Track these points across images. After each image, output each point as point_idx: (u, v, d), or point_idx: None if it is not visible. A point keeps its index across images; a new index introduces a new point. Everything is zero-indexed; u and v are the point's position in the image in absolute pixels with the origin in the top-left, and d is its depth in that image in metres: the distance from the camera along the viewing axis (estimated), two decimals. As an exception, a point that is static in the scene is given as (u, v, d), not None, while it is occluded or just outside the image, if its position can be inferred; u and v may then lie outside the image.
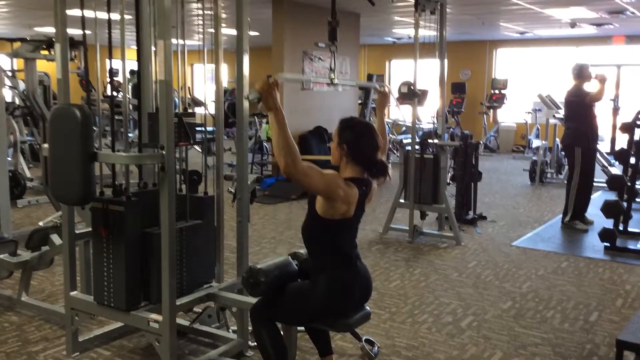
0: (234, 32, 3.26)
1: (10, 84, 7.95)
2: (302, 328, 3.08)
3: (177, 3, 3.01)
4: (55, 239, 3.75)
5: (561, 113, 9.35)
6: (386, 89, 3.24)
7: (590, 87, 6.39)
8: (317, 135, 9.00)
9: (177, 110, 2.92)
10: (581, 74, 6.34)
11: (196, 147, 9.19)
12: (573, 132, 6.39)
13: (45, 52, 6.88)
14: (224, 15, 3.34)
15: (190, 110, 3.12)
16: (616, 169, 8.53)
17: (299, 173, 2.43)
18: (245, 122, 3.33)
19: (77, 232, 3.30)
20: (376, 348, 3.35)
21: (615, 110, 9.32)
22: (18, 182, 7.09)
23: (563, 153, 9.83)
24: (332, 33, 3.09)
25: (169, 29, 2.73)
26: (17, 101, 8.44)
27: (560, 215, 6.67)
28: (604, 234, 5.58)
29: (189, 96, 3.63)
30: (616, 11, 9.13)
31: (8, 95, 8.40)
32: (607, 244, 5.56)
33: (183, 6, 3.20)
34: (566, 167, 9.46)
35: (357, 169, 2.64)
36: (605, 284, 4.65)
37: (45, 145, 3.01)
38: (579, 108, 6.30)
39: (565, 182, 6.87)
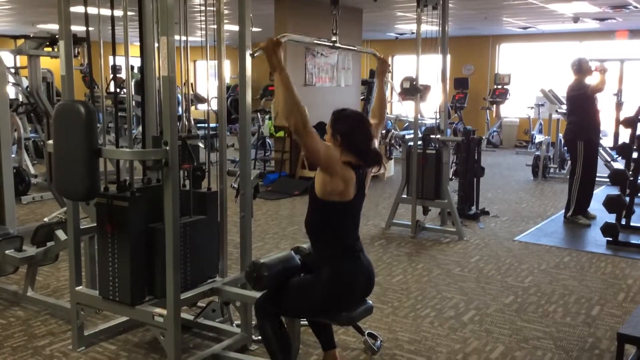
0: (236, 28, 3.27)
1: (13, 81, 7.98)
2: (306, 322, 3.10)
3: (179, -1, 3.03)
4: (60, 234, 3.78)
5: (564, 108, 9.35)
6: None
7: (591, 80, 6.39)
8: (320, 130, 8.98)
9: (180, 134, 2.96)
10: (581, 68, 6.34)
11: (199, 142, 9.23)
12: (575, 127, 6.38)
13: (49, 49, 6.90)
14: (226, 12, 3.36)
15: (193, 132, 3.17)
16: (619, 164, 8.53)
17: (308, 133, 2.45)
18: (248, 118, 3.35)
19: (81, 227, 3.33)
20: (379, 342, 3.37)
21: (619, 104, 9.31)
22: (22, 178, 7.13)
23: (565, 148, 9.86)
24: None
25: (172, 25, 2.74)
26: (20, 98, 8.48)
27: (563, 210, 6.68)
28: (607, 229, 5.59)
29: (192, 92, 3.65)
30: (619, 6, 9.11)
31: (12, 92, 8.44)
32: (610, 239, 5.57)
33: (186, 2, 3.21)
34: (569, 162, 9.50)
35: (352, 158, 2.66)
36: (607, 279, 4.66)
37: (50, 142, 3.03)
38: (581, 102, 6.30)
39: (568, 176, 6.87)
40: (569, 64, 6.46)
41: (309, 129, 2.46)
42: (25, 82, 7.58)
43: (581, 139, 6.32)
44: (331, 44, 3.14)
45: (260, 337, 2.81)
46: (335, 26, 3.16)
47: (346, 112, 2.75)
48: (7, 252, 3.91)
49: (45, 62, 7.47)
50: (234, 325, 3.52)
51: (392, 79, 14.59)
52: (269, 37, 2.45)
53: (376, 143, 2.85)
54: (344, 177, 2.58)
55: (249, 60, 3.25)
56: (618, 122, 8.78)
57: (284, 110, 2.44)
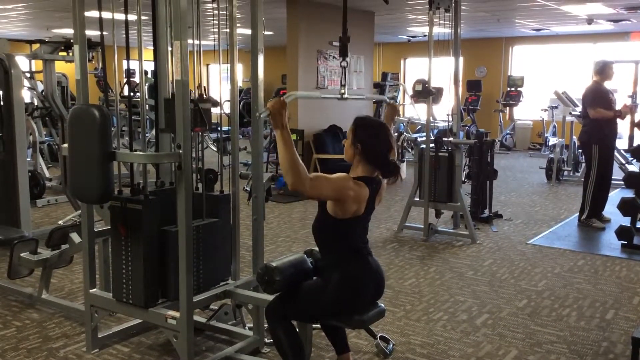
0: (248, 31, 3.29)
1: (29, 85, 8.07)
2: (318, 325, 3.11)
3: (192, 3, 3.05)
4: (75, 237, 3.81)
5: (578, 110, 9.28)
6: (395, 103, 3.29)
7: (610, 85, 6.34)
8: (332, 133, 9.01)
9: (192, 98, 2.95)
10: (603, 71, 6.24)
11: (212, 146, 9.24)
12: (590, 129, 6.32)
13: (64, 54, 6.97)
14: (238, 15, 3.37)
15: (205, 97, 3.15)
16: (633, 166, 8.45)
17: (307, 189, 2.49)
18: (260, 121, 3.36)
19: (96, 230, 3.35)
20: (391, 345, 3.36)
21: (633, 107, 9.22)
22: (37, 181, 7.20)
23: (580, 150, 9.79)
24: (343, 49, 3.07)
25: (185, 29, 2.77)
26: (36, 102, 8.56)
27: (577, 214, 6.63)
28: (621, 232, 5.54)
29: (205, 96, 3.66)
30: (634, 7, 9.04)
31: (27, 96, 8.52)
32: (624, 242, 5.52)
33: (199, 6, 3.23)
34: (583, 165, 9.42)
35: (369, 168, 2.67)
36: (622, 282, 4.62)
37: (64, 145, 3.06)
38: (600, 104, 6.18)
39: (583, 179, 6.82)
40: (593, 63, 6.37)
41: (307, 183, 2.47)
42: (41, 86, 7.65)
43: (596, 142, 6.26)
44: (339, 97, 3.09)
45: (272, 340, 2.82)
46: (344, 78, 3.11)
47: (368, 120, 2.75)
48: (22, 254, 3.95)
49: (60, 67, 7.55)
50: (247, 328, 3.53)
51: (404, 82, 14.57)
52: (276, 99, 2.49)
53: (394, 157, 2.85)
54: (357, 199, 2.60)
55: (261, 63, 3.27)
56: (633, 125, 8.70)
57: (283, 167, 2.49)
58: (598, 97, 6.21)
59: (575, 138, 9.79)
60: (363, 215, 2.67)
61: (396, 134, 9.23)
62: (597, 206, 6.41)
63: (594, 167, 6.27)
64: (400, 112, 12.44)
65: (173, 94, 2.84)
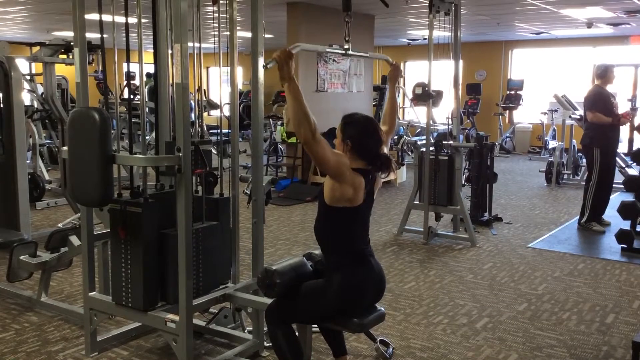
0: (249, 34, 3.29)
1: (29, 88, 8.07)
2: (317, 328, 3.10)
3: (193, 6, 3.05)
4: (74, 240, 3.80)
5: (577, 114, 9.29)
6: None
7: (612, 88, 6.34)
8: (332, 136, 8.98)
9: (193, 139, 2.98)
10: (604, 74, 6.25)
11: (212, 149, 9.26)
12: (592, 133, 6.30)
13: (64, 56, 6.97)
14: (239, 18, 3.37)
15: (206, 138, 3.18)
16: (633, 170, 8.45)
17: (317, 142, 2.46)
18: (260, 124, 3.36)
19: (95, 233, 3.35)
20: (391, 349, 3.36)
21: (633, 110, 9.23)
22: (37, 184, 7.18)
23: (580, 154, 9.78)
24: (347, 2, 3.14)
25: (185, 32, 2.77)
26: (36, 105, 8.56)
27: (577, 217, 6.62)
28: (621, 236, 5.54)
29: (205, 99, 3.67)
30: (633, 11, 9.05)
31: (27, 99, 8.53)
32: (624, 246, 5.52)
33: (199, 9, 3.24)
34: (583, 168, 9.41)
35: (362, 163, 2.67)
36: (622, 286, 4.61)
37: (64, 148, 3.06)
38: (599, 108, 6.18)
39: (584, 183, 6.81)
40: (595, 67, 6.37)
41: (318, 138, 2.47)
42: (41, 89, 7.65)
43: (597, 145, 6.24)
44: (343, 52, 3.15)
45: (271, 344, 2.81)
46: (348, 33, 3.16)
47: (356, 117, 2.75)
48: (21, 257, 3.94)
49: (60, 69, 7.55)
50: (246, 331, 3.52)
51: (404, 85, 14.58)
52: (282, 47, 2.46)
53: (386, 149, 2.85)
54: (353, 184, 2.58)
55: (261, 66, 3.27)
56: (632, 128, 8.72)
57: (293, 120, 2.46)
58: (599, 100, 6.21)
59: (575, 141, 9.79)
60: (362, 207, 2.65)
61: (396, 137, 9.24)
62: (598, 210, 6.41)
63: (596, 170, 6.26)
64: (400, 114, 12.44)
65: (174, 136, 2.84)
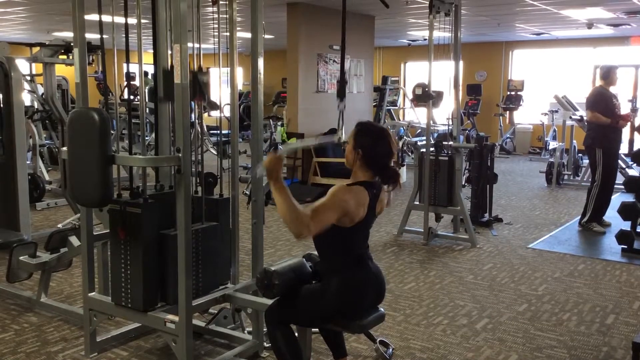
0: (249, 35, 3.29)
1: (29, 88, 8.07)
2: (317, 329, 3.10)
3: (192, 7, 3.05)
4: (74, 240, 3.80)
5: (578, 114, 9.28)
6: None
7: (615, 90, 6.34)
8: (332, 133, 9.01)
9: (191, 69, 2.96)
10: (608, 75, 6.24)
11: (212, 149, 9.23)
12: (593, 134, 6.29)
13: (64, 57, 6.97)
14: (239, 19, 3.37)
15: (205, 69, 3.14)
16: (634, 171, 8.45)
17: (312, 231, 2.46)
18: (260, 124, 3.36)
19: (95, 233, 3.35)
20: (390, 350, 3.35)
21: (633, 111, 9.23)
22: (37, 185, 7.18)
23: (580, 155, 9.78)
24: (341, 90, 3.05)
25: (185, 32, 2.77)
26: (36, 105, 8.57)
27: (578, 218, 6.62)
28: (621, 236, 5.54)
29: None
30: (634, 11, 9.05)
31: (27, 100, 8.53)
32: (625, 246, 5.51)
33: (199, 10, 3.23)
34: (583, 168, 9.41)
35: (369, 174, 2.66)
36: (622, 287, 4.61)
37: (64, 149, 3.05)
38: (598, 108, 6.17)
39: (588, 183, 6.80)
40: (599, 68, 6.35)
41: (311, 225, 2.43)
42: (41, 90, 7.66)
43: (600, 146, 6.22)
44: (337, 139, 3.08)
45: (270, 345, 2.80)
46: (342, 121, 3.08)
47: (370, 126, 2.73)
48: (21, 258, 3.94)
49: (61, 70, 7.55)
50: (246, 332, 3.52)
51: (404, 85, 14.57)
52: (272, 155, 2.47)
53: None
54: (359, 204, 2.57)
55: (261, 67, 3.27)
56: (633, 129, 8.71)
57: (283, 218, 2.46)
58: (600, 101, 6.20)
59: (575, 142, 9.79)
60: (364, 221, 2.65)
61: (396, 137, 9.24)
62: (599, 211, 6.39)
63: (599, 171, 6.23)
64: (400, 117, 12.44)
65: (172, 66, 2.83)
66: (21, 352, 3.36)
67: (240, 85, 15.79)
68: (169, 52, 3.07)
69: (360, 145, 2.65)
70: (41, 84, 7.36)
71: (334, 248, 2.67)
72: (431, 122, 6.13)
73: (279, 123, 10.40)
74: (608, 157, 6.25)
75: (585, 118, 6.37)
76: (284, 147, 2.66)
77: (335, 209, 2.51)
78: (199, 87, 2.95)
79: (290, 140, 9.03)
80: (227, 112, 3.48)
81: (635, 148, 7.63)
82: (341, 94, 3.02)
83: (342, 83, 2.99)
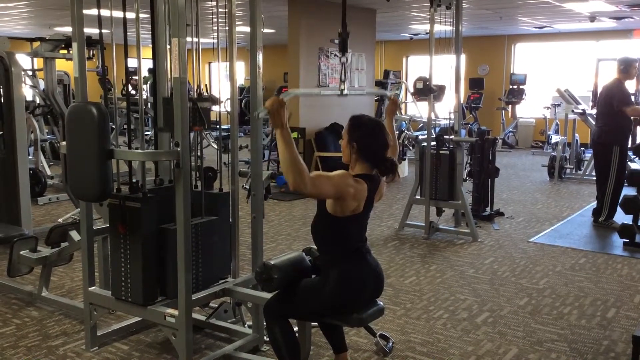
0: (249, 29, 3.27)
1: (30, 83, 8.08)
2: (316, 324, 3.10)
3: (191, 1, 3.04)
4: (74, 235, 3.81)
5: (580, 108, 9.25)
6: (395, 97, 3.27)
7: (631, 85, 6.24)
8: (333, 132, 9.00)
9: (191, 97, 2.94)
10: (628, 69, 6.07)
11: (213, 144, 9.23)
12: (612, 130, 6.11)
13: (64, 52, 6.97)
14: (240, 13, 3.36)
15: (205, 95, 3.13)
16: (636, 164, 8.42)
17: (308, 188, 2.45)
18: (260, 119, 3.34)
19: (95, 228, 3.35)
20: (391, 343, 3.35)
21: (636, 104, 9.18)
22: (39, 179, 7.21)
23: (582, 148, 9.74)
24: (343, 44, 3.06)
25: (184, 27, 2.75)
26: (37, 100, 8.58)
27: (580, 212, 6.59)
28: (623, 230, 5.53)
29: (205, 94, 3.65)
30: (636, 4, 9.00)
31: (29, 94, 8.53)
32: (626, 240, 5.50)
33: (197, 4, 3.22)
34: (587, 163, 9.37)
35: (366, 166, 2.66)
36: (624, 280, 4.60)
37: (64, 143, 3.05)
38: (620, 104, 6.02)
39: (588, 177, 6.76)
40: (617, 60, 6.17)
41: (308, 182, 2.43)
42: (42, 84, 7.66)
43: (617, 143, 6.10)
44: (339, 93, 3.07)
45: (269, 339, 2.81)
46: (344, 73, 3.08)
47: (364, 119, 2.73)
48: (22, 252, 3.95)
49: (62, 65, 7.55)
50: (246, 326, 3.52)
51: (406, 79, 14.54)
52: (273, 97, 2.45)
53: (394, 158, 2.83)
54: (356, 196, 2.58)
55: (260, 61, 3.26)
56: (636, 122, 8.67)
57: (282, 165, 2.45)
58: (629, 94, 6.10)
59: (577, 136, 9.77)
60: (362, 214, 2.66)
61: (397, 132, 9.23)
62: (615, 207, 6.21)
63: (614, 168, 6.10)
64: (402, 110, 12.42)
65: (172, 93, 2.83)
66: (22, 346, 3.37)
67: (241, 79, 15.80)
68: (168, 46, 3.07)
69: (354, 139, 2.65)
70: (42, 78, 7.37)
71: (333, 242, 2.67)
72: (433, 116, 6.11)
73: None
74: (623, 153, 6.14)
75: (628, 112, 6.03)
76: (287, 93, 2.65)
77: (335, 186, 2.53)
78: (198, 114, 2.94)
79: (292, 135, 9.02)
80: (228, 106, 3.47)
81: (637, 141, 7.58)
82: (343, 46, 3.05)
83: (344, 34, 3.03)
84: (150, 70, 7.95)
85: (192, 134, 3.05)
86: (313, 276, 2.78)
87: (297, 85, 8.83)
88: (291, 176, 2.43)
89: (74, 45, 3.11)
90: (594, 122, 7.53)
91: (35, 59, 7.98)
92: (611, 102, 6.08)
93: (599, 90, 6.72)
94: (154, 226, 3.01)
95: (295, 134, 8.84)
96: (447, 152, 5.87)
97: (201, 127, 3.00)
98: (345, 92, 3.02)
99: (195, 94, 3.18)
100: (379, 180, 2.72)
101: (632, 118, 6.20)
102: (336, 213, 2.60)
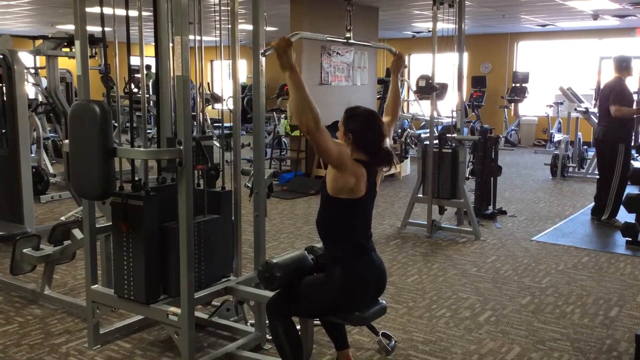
0: (251, 27, 3.27)
1: (33, 81, 8.08)
2: (319, 322, 3.10)
3: (194, -1, 3.04)
4: (77, 233, 3.81)
5: (583, 106, 9.23)
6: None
7: (631, 82, 6.22)
8: (335, 129, 8.98)
9: (194, 134, 2.96)
10: (628, 66, 6.09)
11: (215, 142, 9.25)
12: (617, 128, 6.11)
13: (67, 50, 6.97)
14: (242, 11, 3.36)
15: (209, 133, 3.16)
16: (639, 163, 8.39)
17: (320, 132, 2.45)
18: (262, 116, 3.35)
19: (97, 226, 3.35)
20: (393, 342, 3.35)
21: (638, 103, 9.16)
22: (41, 178, 7.21)
23: (585, 147, 9.72)
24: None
25: (186, 25, 2.75)
26: (40, 98, 8.58)
27: (581, 210, 6.57)
28: (626, 229, 5.52)
29: (208, 92, 3.65)
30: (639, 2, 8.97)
31: (31, 92, 8.54)
32: (629, 239, 5.49)
33: (200, 2, 3.22)
34: (589, 161, 9.35)
35: (363, 157, 2.66)
36: (626, 279, 4.59)
37: (67, 141, 3.06)
38: (622, 101, 6.01)
39: (591, 175, 6.74)
40: (613, 58, 6.18)
41: (321, 128, 2.46)
42: (45, 82, 7.66)
43: (623, 141, 6.10)
44: (345, 40, 3.11)
45: (271, 337, 2.81)
46: (349, 22, 3.13)
47: (358, 110, 2.74)
48: (24, 250, 3.96)
49: (65, 63, 7.55)
50: (248, 324, 3.52)
51: (408, 78, 14.51)
52: (281, 36, 2.44)
53: (388, 142, 2.84)
54: (355, 173, 2.58)
55: (263, 59, 3.25)
56: (639, 121, 8.64)
57: (295, 109, 2.44)
58: (628, 94, 6.09)
59: (580, 134, 9.74)
60: (364, 198, 2.64)
61: (399, 130, 9.21)
62: (618, 205, 6.20)
63: (619, 167, 6.10)
64: (404, 108, 12.41)
65: (175, 133, 2.83)
66: (25, 344, 3.37)
67: (243, 77, 15.79)
68: (170, 44, 3.06)
69: (349, 130, 2.67)
70: (45, 76, 7.37)
71: (338, 233, 2.67)
72: (435, 114, 6.11)
73: (283, 116, 10.38)
74: (628, 151, 6.13)
75: (612, 110, 6.03)
76: (294, 34, 2.65)
77: (337, 147, 2.55)
78: (202, 153, 2.95)
79: (294, 133, 9.02)
80: (230, 104, 3.47)
81: (639, 140, 7.57)
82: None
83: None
84: (149, 67, 7.95)
85: (193, 133, 3.05)
86: (315, 274, 2.78)
87: (298, 55, 8.82)
88: (304, 117, 2.41)
89: (77, 43, 3.11)
90: (596, 121, 7.51)
91: (37, 57, 7.96)
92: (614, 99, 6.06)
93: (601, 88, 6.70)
94: (156, 224, 3.01)
95: (297, 132, 8.84)
96: (450, 151, 5.86)
97: (204, 166, 3.02)
98: (351, 40, 3.06)
99: (198, 104, 3.19)
100: (377, 169, 2.72)
101: (634, 116, 6.18)
102: (336, 191, 2.59)
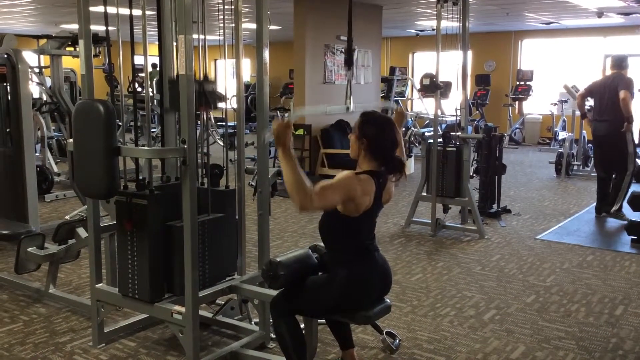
0: (255, 26, 3.27)
1: (37, 81, 8.10)
2: (323, 320, 3.10)
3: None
4: (81, 232, 3.81)
5: (587, 105, 9.18)
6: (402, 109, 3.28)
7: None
8: (339, 129, 8.99)
9: (197, 78, 2.94)
10: (627, 64, 6.19)
11: (219, 141, 9.24)
12: (622, 121, 6.10)
13: (71, 49, 6.98)
14: (245, 10, 3.35)
15: (210, 78, 3.12)
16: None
17: (315, 205, 2.45)
18: (266, 115, 3.35)
19: (102, 225, 3.36)
20: (397, 341, 3.35)
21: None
22: (46, 177, 7.22)
23: (590, 145, 9.67)
24: (349, 60, 3.04)
25: (190, 24, 2.75)
26: (44, 97, 8.60)
27: (587, 208, 6.55)
28: (631, 227, 5.50)
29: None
30: (645, 0, 8.94)
31: (35, 92, 8.56)
32: (634, 237, 5.47)
33: (204, 1, 3.22)
34: (591, 158, 9.31)
35: (374, 164, 2.66)
36: (632, 278, 4.58)
37: (71, 140, 3.06)
38: (631, 90, 6.04)
39: (595, 173, 6.70)
40: (612, 57, 6.26)
41: (314, 200, 2.43)
42: (49, 82, 7.67)
43: (629, 130, 6.13)
44: (345, 110, 3.06)
45: (275, 336, 2.81)
46: (349, 94, 3.08)
47: (375, 116, 2.73)
48: (29, 249, 3.96)
49: (69, 62, 7.56)
50: (253, 323, 3.52)
51: (412, 76, 14.50)
52: (279, 121, 2.47)
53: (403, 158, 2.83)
54: (365, 192, 2.57)
55: (266, 58, 3.25)
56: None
57: (287, 187, 2.44)
58: (632, 83, 6.11)
59: (585, 132, 9.71)
60: (371, 210, 2.65)
61: (404, 129, 9.20)
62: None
63: (632, 156, 6.14)
64: (408, 108, 12.40)
65: (178, 75, 2.82)
66: (30, 343, 3.38)
67: (247, 76, 15.79)
68: (174, 43, 3.06)
69: (365, 135, 2.65)
70: (49, 76, 7.38)
71: (340, 238, 2.67)
72: (439, 112, 6.09)
73: (286, 114, 10.38)
74: (634, 143, 6.18)
75: (621, 95, 6.02)
76: (292, 114, 2.67)
77: (340, 192, 2.52)
78: (204, 96, 2.94)
79: (298, 132, 9.02)
80: (234, 103, 3.46)
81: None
82: (349, 62, 3.03)
83: (349, 52, 2.99)
84: (154, 65, 7.95)
85: (197, 132, 3.05)
86: (320, 273, 2.77)
87: (302, 83, 8.83)
88: (297, 198, 2.42)
89: (81, 42, 3.11)
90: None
91: (41, 57, 7.98)
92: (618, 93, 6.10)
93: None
94: (160, 223, 3.01)
95: (301, 131, 8.84)
96: (454, 149, 5.85)
97: (207, 108, 2.99)
98: (352, 109, 3.01)
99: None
100: (386, 178, 2.71)
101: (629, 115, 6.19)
102: (350, 213, 2.59)
